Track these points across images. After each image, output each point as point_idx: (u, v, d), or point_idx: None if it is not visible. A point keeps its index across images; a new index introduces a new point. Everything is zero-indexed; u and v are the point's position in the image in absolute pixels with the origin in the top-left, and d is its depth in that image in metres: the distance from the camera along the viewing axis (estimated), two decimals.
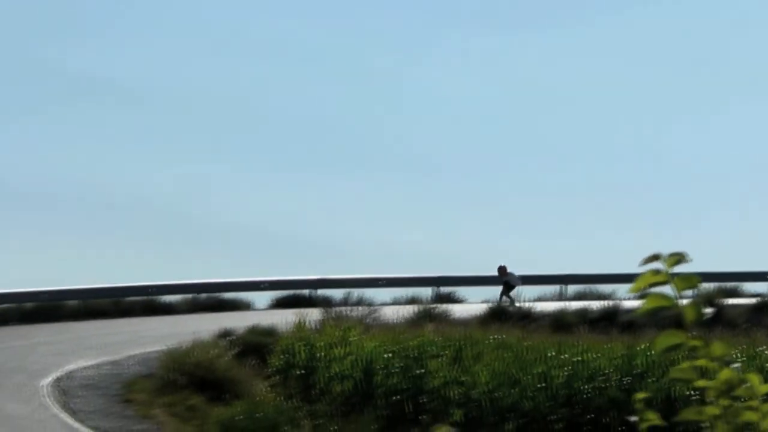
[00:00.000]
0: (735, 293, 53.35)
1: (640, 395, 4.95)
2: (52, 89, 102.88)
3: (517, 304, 47.46)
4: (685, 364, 4.06)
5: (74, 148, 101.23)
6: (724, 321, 44.05)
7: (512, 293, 48.61)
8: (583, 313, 43.92)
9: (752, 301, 50.95)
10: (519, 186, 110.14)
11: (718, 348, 3.94)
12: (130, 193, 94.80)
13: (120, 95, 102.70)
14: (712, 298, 48.83)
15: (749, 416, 4.12)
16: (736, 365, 4.09)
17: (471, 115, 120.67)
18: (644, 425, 4.30)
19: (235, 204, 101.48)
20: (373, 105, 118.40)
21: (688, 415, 4.14)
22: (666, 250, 3.94)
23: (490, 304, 47.01)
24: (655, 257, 3.87)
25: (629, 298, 46.20)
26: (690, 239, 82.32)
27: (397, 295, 48.76)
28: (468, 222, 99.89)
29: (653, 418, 4.24)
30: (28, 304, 46.66)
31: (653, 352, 30.03)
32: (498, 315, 43.66)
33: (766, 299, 50.81)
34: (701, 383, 4.17)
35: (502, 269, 47.87)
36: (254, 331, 38.61)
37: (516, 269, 50.39)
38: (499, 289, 49.40)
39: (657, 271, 3.84)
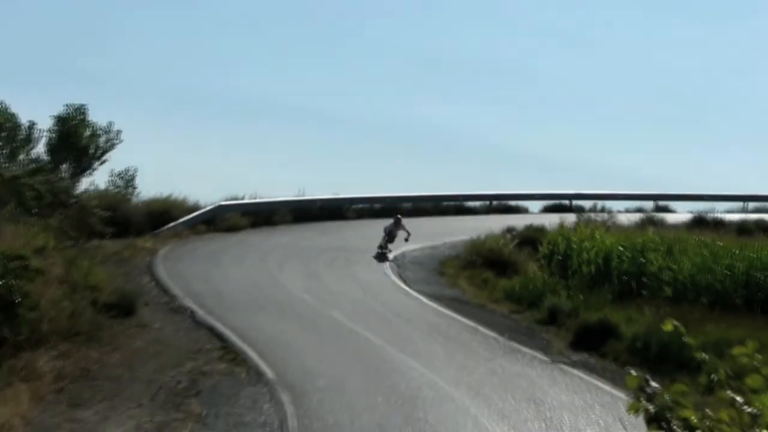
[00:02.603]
0: None
1: None
2: None
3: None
4: None
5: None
6: None
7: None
8: (759, 223, 47.39)
9: None
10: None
11: None
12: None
13: None
14: None
15: None
16: None
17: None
18: None
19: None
20: None
21: None
22: None
23: (706, 215, 48.51)
24: None
25: None
26: None
27: (629, 205, 51.81)
28: (679, 146, 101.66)
29: None
30: (377, 206, 49.59)
31: None
32: (699, 222, 46.77)
33: None
34: None
35: None
36: (529, 228, 42.56)
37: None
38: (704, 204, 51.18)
39: None
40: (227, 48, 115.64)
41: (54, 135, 44.75)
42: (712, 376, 5.09)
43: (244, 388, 23.50)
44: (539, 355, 27.28)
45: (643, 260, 35.28)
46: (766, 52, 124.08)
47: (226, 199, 43.79)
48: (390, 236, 40.35)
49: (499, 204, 50.80)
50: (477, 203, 50.87)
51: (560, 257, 37.29)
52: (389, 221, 41.25)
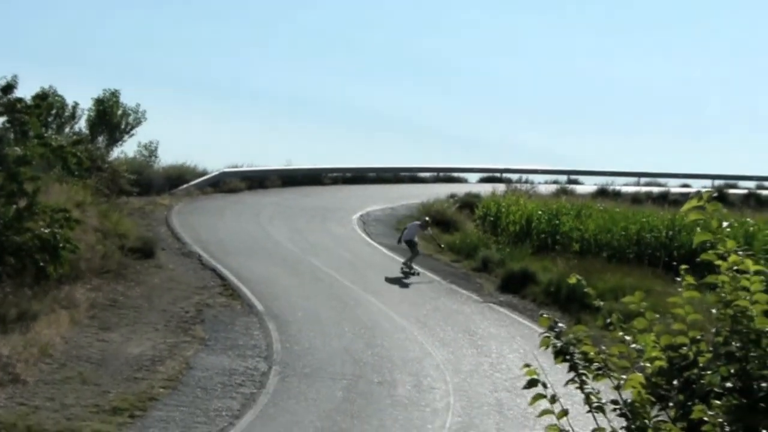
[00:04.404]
0: None
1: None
2: None
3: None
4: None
5: None
6: None
7: None
8: (649, 194, 46.79)
9: None
10: None
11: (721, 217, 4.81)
12: None
13: None
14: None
15: None
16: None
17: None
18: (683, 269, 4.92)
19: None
20: None
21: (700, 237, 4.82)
22: None
23: (607, 187, 48.75)
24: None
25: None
26: None
27: (547, 179, 51.04)
28: (586, 129, 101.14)
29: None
30: (348, 174, 48.06)
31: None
32: (602, 193, 46.81)
33: None
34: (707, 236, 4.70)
35: None
36: (468, 195, 41.94)
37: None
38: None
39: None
40: (228, 39, 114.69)
41: (93, 113, 44.85)
42: (607, 319, 5.08)
43: (238, 317, 23.59)
44: (473, 296, 27.50)
45: (557, 222, 35.24)
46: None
47: (229, 167, 43.88)
48: (413, 247, 29.84)
49: (444, 175, 50.39)
50: (427, 174, 50.40)
51: (492, 218, 37.08)
52: (414, 223, 31.33)
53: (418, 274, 28.60)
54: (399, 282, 28.30)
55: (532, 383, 4.98)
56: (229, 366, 20.00)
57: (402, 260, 30.17)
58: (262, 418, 17.29)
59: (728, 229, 4.94)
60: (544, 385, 4.91)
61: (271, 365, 20.17)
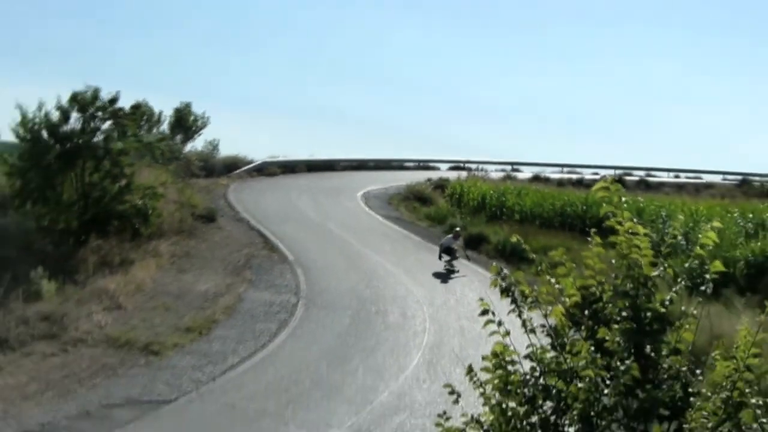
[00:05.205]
0: None
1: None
2: None
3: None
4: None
5: None
6: None
7: None
8: (569, 180, 46.34)
9: None
10: None
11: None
12: None
13: None
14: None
15: None
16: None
17: None
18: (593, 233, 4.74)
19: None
20: None
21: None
22: None
23: (540, 175, 47.68)
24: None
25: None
26: None
27: (496, 168, 48.69)
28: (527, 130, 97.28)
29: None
30: (354, 163, 46.53)
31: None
32: (536, 179, 45.72)
33: None
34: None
35: None
36: (440, 179, 40.69)
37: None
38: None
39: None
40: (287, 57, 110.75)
41: (172, 119, 44.75)
42: (539, 267, 5.10)
43: (276, 265, 23.59)
44: None
45: (504, 199, 34.42)
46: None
47: (269, 157, 43.62)
48: (450, 253, 24.46)
49: (423, 165, 49.57)
50: (411, 164, 49.55)
51: (457, 196, 36.40)
52: (448, 237, 25.52)
53: (458, 271, 24.01)
54: (390, 240, 28.21)
55: (484, 312, 5.00)
56: (269, 299, 20.03)
57: (393, 225, 30.02)
58: (293, 336, 17.37)
59: (625, 204, 4.95)
60: (493, 314, 4.95)
61: (298, 299, 20.21)
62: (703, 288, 4.79)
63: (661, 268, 4.73)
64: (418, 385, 14.44)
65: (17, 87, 67.44)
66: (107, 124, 25.16)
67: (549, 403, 4.59)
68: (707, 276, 4.79)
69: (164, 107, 48.87)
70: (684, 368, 4.58)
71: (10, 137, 24.93)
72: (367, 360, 15.88)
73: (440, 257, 24.38)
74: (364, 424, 12.63)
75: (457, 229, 26.57)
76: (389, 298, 20.72)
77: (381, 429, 12.45)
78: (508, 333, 4.92)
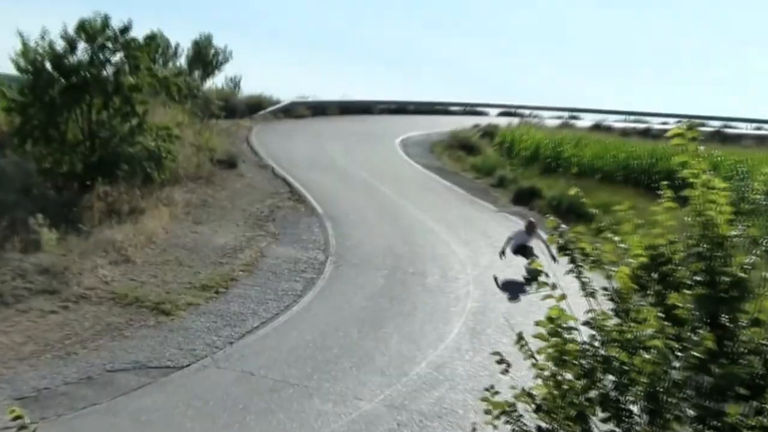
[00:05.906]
0: None
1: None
2: None
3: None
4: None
5: None
6: None
7: None
8: (636, 129, 45.84)
9: None
10: None
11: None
12: None
13: None
14: None
15: None
16: None
17: None
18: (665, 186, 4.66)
19: None
20: None
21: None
22: None
23: (601, 123, 47.29)
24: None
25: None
26: None
27: (552, 114, 49.19)
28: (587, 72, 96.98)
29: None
30: (392, 106, 46.94)
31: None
32: (597, 127, 45.52)
33: None
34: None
35: None
36: (489, 125, 40.58)
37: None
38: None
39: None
40: None
41: (190, 52, 44.88)
42: (600, 224, 5.04)
43: (302, 218, 23.66)
44: (490, 206, 27.24)
45: (560, 149, 34.46)
46: None
47: (297, 98, 43.60)
48: (526, 254, 18.81)
49: (470, 109, 49.21)
50: (456, 108, 49.21)
51: (507, 145, 36.44)
52: (516, 229, 20.47)
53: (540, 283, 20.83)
54: (432, 192, 28.19)
55: (535, 275, 4.97)
56: (294, 256, 20.11)
57: (435, 176, 29.97)
58: (320, 298, 17.42)
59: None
60: (547, 275, 4.89)
61: (327, 256, 20.24)
62: None
63: (741, 228, 4.66)
64: (459, 356, 14.44)
65: (18, 13, 67.96)
66: (118, 57, 25.18)
67: (610, 377, 4.53)
68: None
69: (181, 39, 49.10)
70: (765, 342, 4.50)
71: (9, 69, 25.07)
72: (402, 326, 15.91)
73: (502, 254, 19.58)
74: (398, 399, 12.56)
75: (531, 219, 20.71)
76: (428, 258, 20.66)
77: (417, 404, 12.42)
78: (564, 297, 4.86)
